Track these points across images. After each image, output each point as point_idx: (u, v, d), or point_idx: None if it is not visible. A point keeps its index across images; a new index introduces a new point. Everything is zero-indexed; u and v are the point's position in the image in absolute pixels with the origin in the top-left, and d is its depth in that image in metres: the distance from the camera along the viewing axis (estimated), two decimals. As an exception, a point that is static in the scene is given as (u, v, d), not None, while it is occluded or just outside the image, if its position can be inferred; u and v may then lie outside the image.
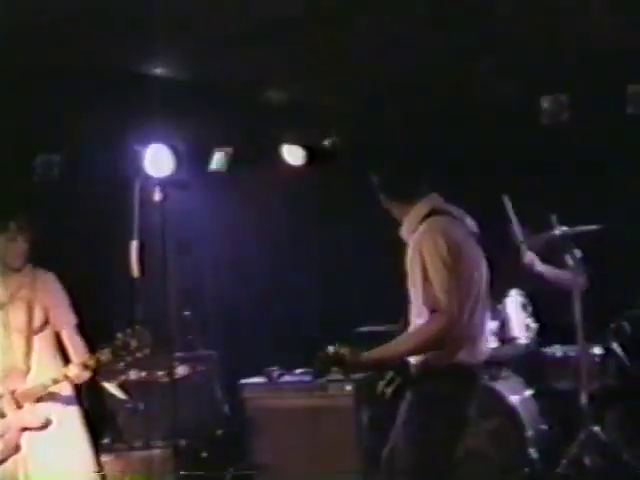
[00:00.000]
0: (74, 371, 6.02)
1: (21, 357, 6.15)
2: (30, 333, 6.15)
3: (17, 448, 6.06)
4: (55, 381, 6.06)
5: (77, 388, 6.25)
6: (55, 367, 6.19)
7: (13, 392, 6.05)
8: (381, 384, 5.08)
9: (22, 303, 6.14)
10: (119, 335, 5.85)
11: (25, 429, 6.04)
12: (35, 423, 6.09)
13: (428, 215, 5.07)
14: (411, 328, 5.06)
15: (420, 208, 5.12)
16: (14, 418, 6.06)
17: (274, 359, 7.57)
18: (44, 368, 6.18)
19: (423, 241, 4.97)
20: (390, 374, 5.04)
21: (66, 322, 6.26)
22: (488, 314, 5.24)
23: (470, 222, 5.20)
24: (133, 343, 5.81)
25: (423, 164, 5.40)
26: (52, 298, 6.23)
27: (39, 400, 6.09)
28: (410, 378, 5.04)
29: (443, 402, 4.98)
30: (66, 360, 6.21)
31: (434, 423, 4.98)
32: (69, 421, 6.19)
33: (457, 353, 4.94)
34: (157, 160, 7.28)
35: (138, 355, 5.83)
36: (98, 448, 6.40)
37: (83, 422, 6.23)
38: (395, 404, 5.11)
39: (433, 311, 4.86)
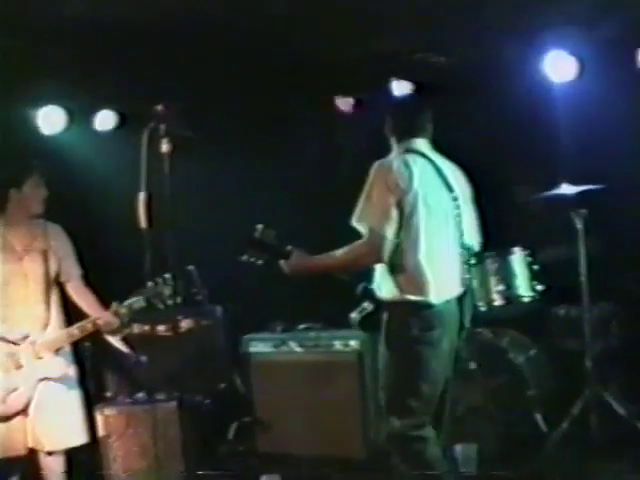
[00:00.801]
0: (105, 318, 6.10)
1: (41, 307, 6.16)
2: (48, 284, 6.21)
3: (27, 405, 6.09)
4: (82, 330, 6.09)
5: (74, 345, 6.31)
6: (64, 319, 6.24)
7: (33, 342, 6.07)
8: (352, 313, 5.29)
9: (37, 254, 6.19)
10: (150, 284, 5.94)
11: (43, 380, 6.08)
12: (56, 373, 6.10)
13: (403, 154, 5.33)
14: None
15: (400, 146, 5.38)
16: (32, 369, 6.06)
17: (278, 314, 7.56)
18: (60, 319, 6.25)
19: (380, 165, 5.21)
20: (363, 304, 5.24)
21: (74, 274, 6.34)
22: (450, 256, 5.30)
23: (452, 172, 5.41)
24: (166, 291, 5.86)
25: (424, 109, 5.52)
26: (62, 249, 6.30)
27: (58, 351, 6.15)
28: (377, 309, 5.24)
29: (398, 338, 5.17)
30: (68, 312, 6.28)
31: (393, 357, 5.20)
32: (69, 381, 6.23)
33: (412, 290, 5.11)
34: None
35: (169, 303, 5.85)
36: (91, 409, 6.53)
37: (78, 383, 6.30)
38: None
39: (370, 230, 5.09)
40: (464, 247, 5.34)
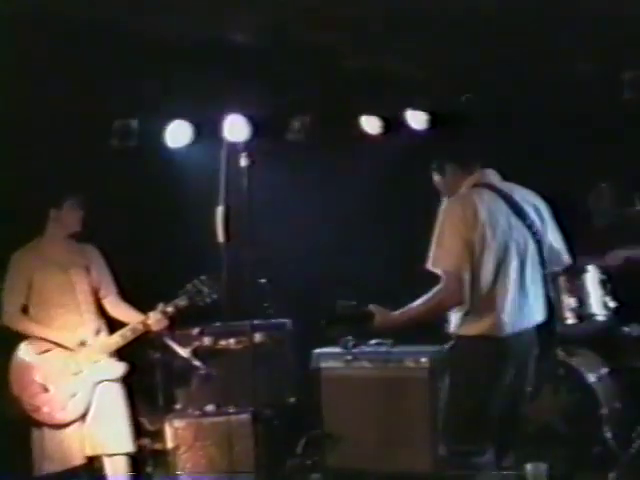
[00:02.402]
0: (154, 318, 6.40)
1: (91, 315, 6.39)
2: (94, 294, 6.53)
3: (87, 409, 6.21)
4: (134, 330, 6.35)
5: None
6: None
7: (88, 347, 6.27)
8: None
9: (81, 268, 6.48)
10: (189, 285, 6.43)
11: (100, 382, 6.31)
12: (113, 375, 6.28)
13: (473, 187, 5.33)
14: None
15: (470, 180, 5.36)
16: (89, 373, 6.22)
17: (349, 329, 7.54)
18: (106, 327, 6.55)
19: (446, 206, 5.25)
20: None
21: (112, 290, 6.65)
22: (528, 285, 5.27)
23: (524, 198, 5.34)
24: (205, 290, 6.36)
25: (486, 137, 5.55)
26: (100, 267, 6.62)
27: (114, 354, 6.40)
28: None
29: (467, 373, 5.20)
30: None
31: (460, 392, 5.25)
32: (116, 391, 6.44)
33: (480, 324, 5.13)
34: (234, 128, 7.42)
35: (208, 300, 6.41)
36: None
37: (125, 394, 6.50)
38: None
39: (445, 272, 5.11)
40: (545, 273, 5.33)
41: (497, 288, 5.14)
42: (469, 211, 5.13)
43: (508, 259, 5.17)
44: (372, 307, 5.32)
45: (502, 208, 5.23)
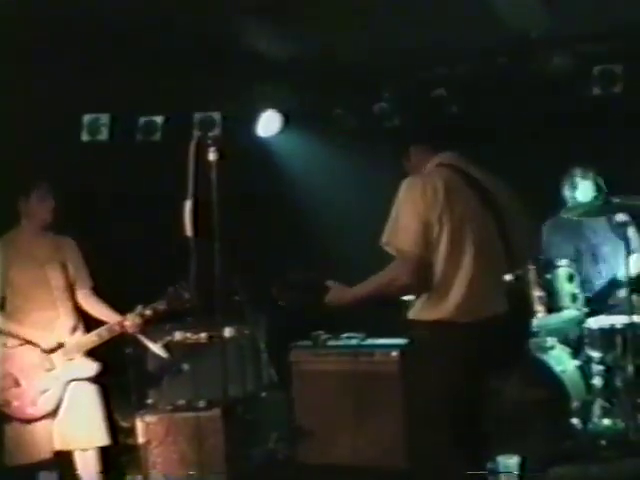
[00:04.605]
0: (132, 320, 6.37)
1: (67, 312, 6.38)
2: (70, 291, 6.48)
3: (57, 406, 6.20)
4: (111, 331, 6.33)
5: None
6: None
7: (62, 345, 6.24)
8: None
9: (57, 263, 6.44)
10: (170, 288, 6.34)
11: (73, 381, 6.29)
12: (86, 373, 6.28)
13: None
14: None
15: (435, 160, 5.19)
16: (63, 370, 6.21)
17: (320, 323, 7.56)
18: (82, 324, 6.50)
19: (407, 183, 5.03)
20: None
21: (87, 284, 6.61)
22: (490, 273, 5.06)
23: (490, 183, 5.16)
24: (185, 295, 6.29)
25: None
26: (76, 260, 6.58)
27: (89, 352, 6.37)
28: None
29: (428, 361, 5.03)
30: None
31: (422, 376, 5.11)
32: (88, 389, 6.42)
33: (437, 309, 4.95)
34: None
35: (187, 306, 6.34)
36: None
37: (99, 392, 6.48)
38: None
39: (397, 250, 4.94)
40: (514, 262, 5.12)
41: (452, 273, 4.93)
42: (430, 189, 4.93)
43: (466, 244, 4.95)
44: (329, 282, 5.21)
45: (466, 191, 5.03)
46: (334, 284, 5.24)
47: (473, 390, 5.09)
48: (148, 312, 6.41)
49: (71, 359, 6.29)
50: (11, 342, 6.24)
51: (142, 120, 8.03)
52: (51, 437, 6.24)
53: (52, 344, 6.23)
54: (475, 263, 4.95)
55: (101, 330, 6.37)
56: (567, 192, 7.48)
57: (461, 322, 4.93)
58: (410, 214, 4.93)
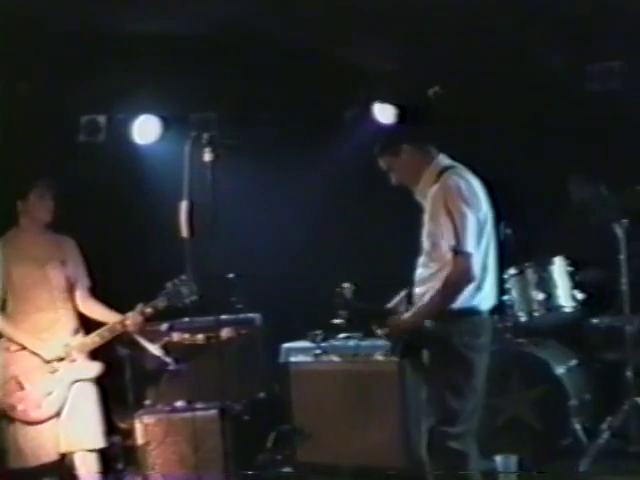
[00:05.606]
0: (133, 319, 6.34)
1: (68, 313, 6.36)
2: (71, 291, 6.46)
3: (61, 407, 6.18)
4: (112, 330, 6.31)
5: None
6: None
7: (66, 345, 6.23)
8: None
9: (58, 262, 6.40)
10: (169, 285, 6.31)
11: (76, 382, 6.27)
12: (89, 374, 6.26)
13: (441, 173, 5.24)
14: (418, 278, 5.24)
15: (434, 167, 5.28)
16: (66, 372, 6.19)
17: (318, 323, 7.54)
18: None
19: (445, 189, 5.11)
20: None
21: (86, 284, 6.57)
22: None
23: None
24: (184, 291, 6.25)
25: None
26: (76, 260, 6.55)
27: (92, 353, 6.37)
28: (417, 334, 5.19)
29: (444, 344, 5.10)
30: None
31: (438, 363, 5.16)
32: (90, 390, 6.40)
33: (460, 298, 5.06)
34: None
35: (187, 302, 6.28)
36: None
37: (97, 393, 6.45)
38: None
39: (456, 253, 4.99)
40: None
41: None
42: (470, 187, 5.13)
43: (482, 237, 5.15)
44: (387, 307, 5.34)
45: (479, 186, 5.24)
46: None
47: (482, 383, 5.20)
48: (149, 310, 6.38)
49: (73, 360, 6.28)
50: (14, 345, 6.23)
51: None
52: (56, 439, 6.22)
53: (53, 355, 6.21)
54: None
55: (103, 330, 6.35)
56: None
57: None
58: (463, 213, 5.05)
